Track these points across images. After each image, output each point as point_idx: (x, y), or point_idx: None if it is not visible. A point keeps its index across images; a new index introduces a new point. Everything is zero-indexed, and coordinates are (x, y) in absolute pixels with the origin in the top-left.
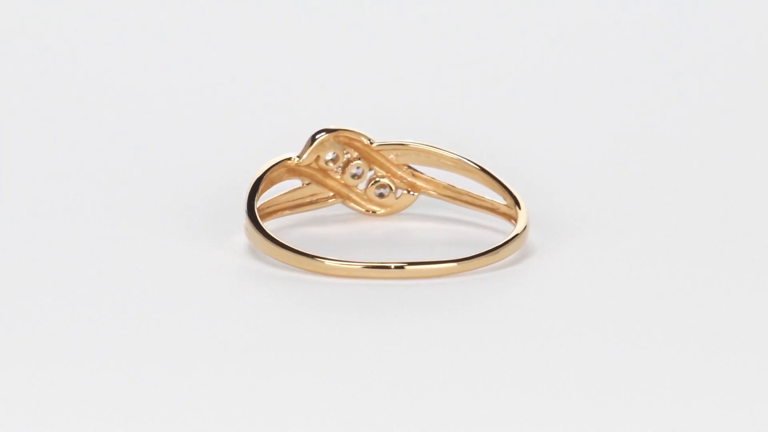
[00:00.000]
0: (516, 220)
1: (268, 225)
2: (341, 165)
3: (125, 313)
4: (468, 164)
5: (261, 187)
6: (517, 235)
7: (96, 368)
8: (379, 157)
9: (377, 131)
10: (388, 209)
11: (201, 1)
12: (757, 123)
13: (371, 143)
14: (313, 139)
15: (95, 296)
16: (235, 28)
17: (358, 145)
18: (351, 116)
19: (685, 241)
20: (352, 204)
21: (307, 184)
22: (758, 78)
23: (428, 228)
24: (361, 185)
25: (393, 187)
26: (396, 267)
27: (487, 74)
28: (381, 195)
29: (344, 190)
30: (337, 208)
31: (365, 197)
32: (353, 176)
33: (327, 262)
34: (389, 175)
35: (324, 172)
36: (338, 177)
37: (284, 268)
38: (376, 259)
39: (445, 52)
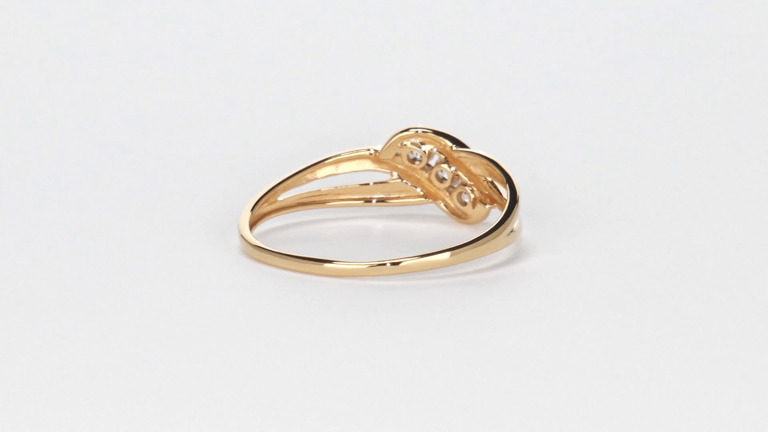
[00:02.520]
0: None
1: (302, 215)
2: (426, 165)
3: (126, 312)
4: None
5: (323, 172)
6: (502, 220)
7: (94, 367)
8: (463, 163)
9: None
10: (468, 219)
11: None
12: (759, 123)
13: (453, 147)
14: (395, 134)
15: (95, 295)
16: (256, 25)
17: (444, 147)
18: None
19: (687, 240)
20: (442, 205)
21: (394, 180)
22: (760, 78)
23: (427, 227)
24: (449, 188)
25: (474, 196)
26: (392, 264)
27: (492, 72)
28: (464, 203)
29: (436, 191)
30: (329, 210)
31: (452, 200)
32: (440, 179)
33: (288, 259)
34: (472, 183)
35: (415, 170)
36: (426, 176)
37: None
38: (374, 259)
39: (445, 50)
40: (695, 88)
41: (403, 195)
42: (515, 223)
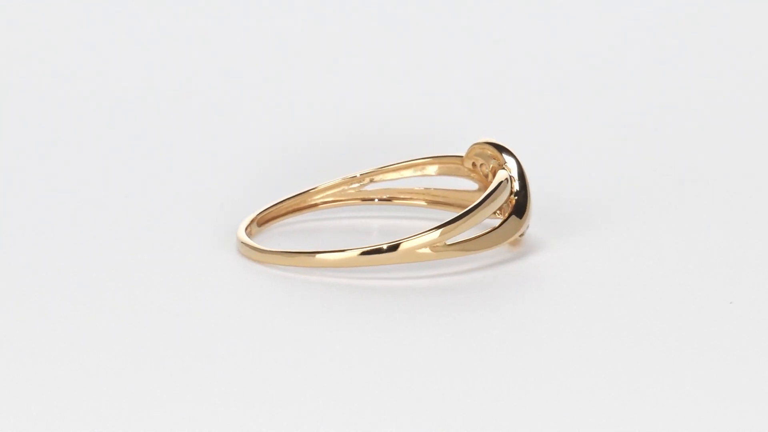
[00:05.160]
0: None
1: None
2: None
3: (125, 312)
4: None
5: (409, 172)
6: (492, 192)
7: (93, 368)
8: None
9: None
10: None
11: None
12: (760, 123)
13: (505, 164)
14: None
15: (95, 296)
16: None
17: (500, 163)
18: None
19: (688, 240)
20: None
21: (477, 190)
22: (761, 78)
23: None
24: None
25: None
26: (389, 248)
27: (496, 70)
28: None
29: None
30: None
31: None
32: None
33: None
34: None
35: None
36: None
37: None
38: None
39: (445, 49)
40: (698, 89)
41: (407, 196)
42: (501, 199)
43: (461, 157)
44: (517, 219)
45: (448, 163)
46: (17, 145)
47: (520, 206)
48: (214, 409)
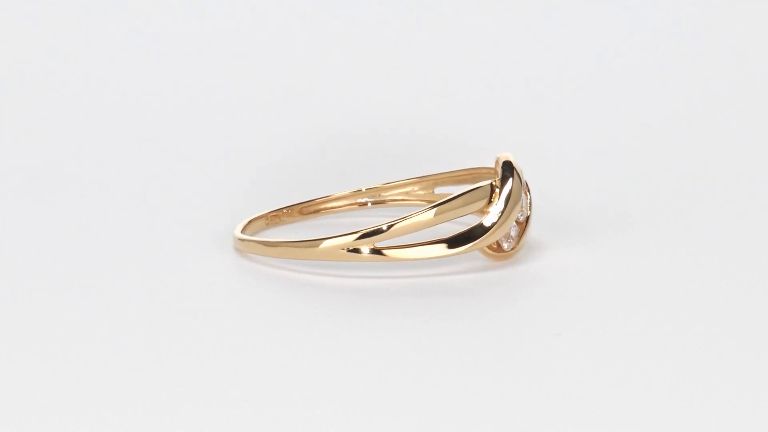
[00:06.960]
0: None
1: None
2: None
3: (123, 312)
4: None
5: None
6: (461, 194)
7: (89, 368)
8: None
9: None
10: (502, 255)
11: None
12: (763, 121)
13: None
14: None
15: (95, 297)
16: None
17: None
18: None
19: (692, 242)
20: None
21: None
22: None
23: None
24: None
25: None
26: (388, 227)
27: (495, 71)
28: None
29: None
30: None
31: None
32: None
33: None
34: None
35: None
36: None
37: (281, 268)
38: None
39: (445, 48)
40: (699, 89)
41: (400, 198)
42: (473, 206)
43: (492, 168)
44: (447, 247)
45: (489, 173)
46: (16, 146)
47: (466, 236)
48: (212, 408)
